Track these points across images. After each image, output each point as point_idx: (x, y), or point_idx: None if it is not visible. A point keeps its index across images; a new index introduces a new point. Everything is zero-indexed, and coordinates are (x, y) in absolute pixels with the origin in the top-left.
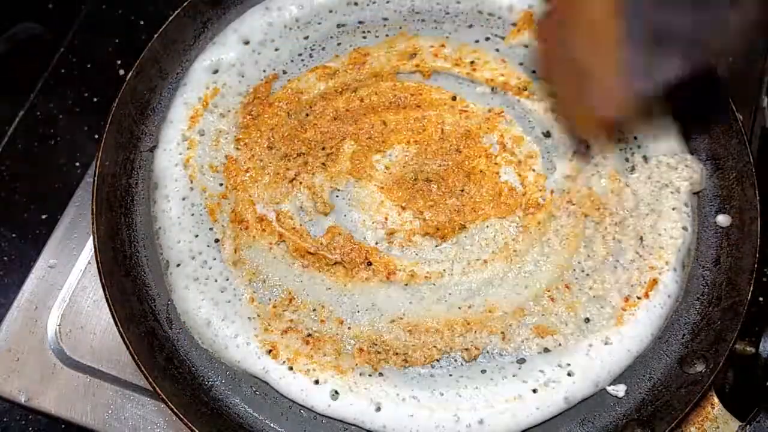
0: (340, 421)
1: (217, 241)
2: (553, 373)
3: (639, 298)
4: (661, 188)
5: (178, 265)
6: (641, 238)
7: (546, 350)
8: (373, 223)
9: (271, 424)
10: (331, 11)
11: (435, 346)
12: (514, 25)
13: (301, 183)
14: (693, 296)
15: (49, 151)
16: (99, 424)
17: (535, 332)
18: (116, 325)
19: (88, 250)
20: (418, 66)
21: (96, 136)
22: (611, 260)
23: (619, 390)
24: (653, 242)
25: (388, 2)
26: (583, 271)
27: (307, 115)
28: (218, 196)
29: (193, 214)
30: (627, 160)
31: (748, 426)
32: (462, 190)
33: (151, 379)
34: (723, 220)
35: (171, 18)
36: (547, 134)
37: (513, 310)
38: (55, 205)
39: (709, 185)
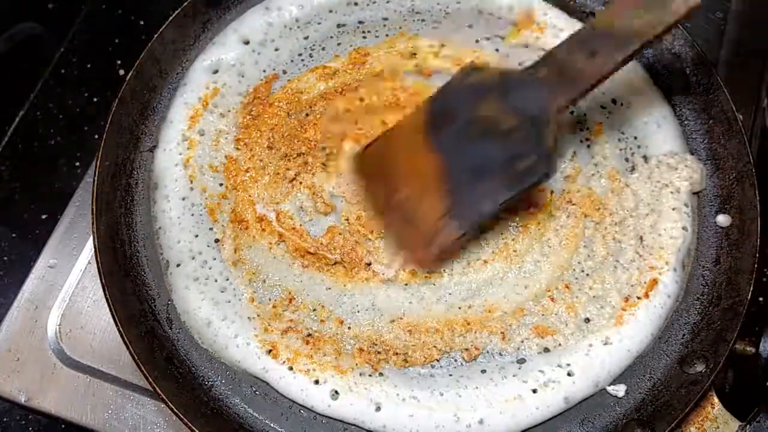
0: (340, 421)
1: (217, 241)
2: (553, 373)
3: (639, 298)
4: (661, 188)
5: (178, 265)
6: (641, 238)
7: (546, 350)
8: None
9: (271, 424)
10: (331, 11)
11: (435, 346)
12: (514, 25)
13: (301, 183)
14: (693, 296)
15: (49, 151)
16: (99, 424)
17: (535, 332)
18: (116, 325)
19: (88, 250)
20: (418, 66)
21: (96, 136)
22: (611, 260)
23: (619, 390)
24: (653, 242)
25: (388, 2)
26: (583, 271)
27: (307, 115)
28: (218, 196)
29: (193, 214)
30: (627, 160)
31: (748, 426)
32: None
33: (151, 379)
34: (723, 220)
35: (171, 18)
36: None
37: (513, 310)
38: (55, 205)
39: (709, 185)
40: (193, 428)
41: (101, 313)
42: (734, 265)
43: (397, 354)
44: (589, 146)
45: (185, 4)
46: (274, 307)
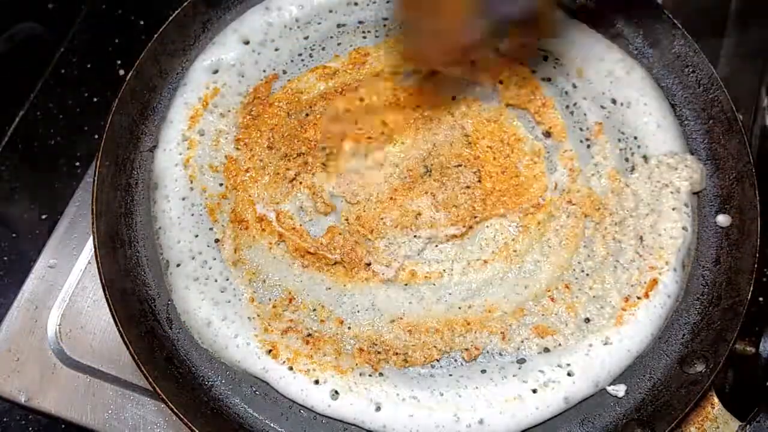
0: (340, 421)
1: (217, 241)
2: (553, 373)
3: (639, 298)
4: (661, 188)
5: (178, 265)
6: (641, 238)
7: (546, 350)
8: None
9: (271, 424)
10: (331, 11)
11: (435, 346)
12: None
13: (301, 183)
14: (693, 296)
15: (49, 151)
16: (99, 424)
17: (535, 332)
18: (116, 325)
19: (88, 250)
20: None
21: (96, 136)
22: (611, 260)
23: (619, 390)
24: (653, 242)
25: (388, 2)
26: (583, 271)
27: (307, 115)
28: (218, 196)
29: (193, 214)
30: (627, 160)
31: (748, 426)
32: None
33: (151, 379)
34: (723, 220)
35: (171, 18)
36: (548, 134)
37: (513, 310)
38: (55, 205)
39: (709, 185)
40: (193, 428)
41: (101, 313)
42: (734, 265)
43: (397, 354)
44: (589, 146)
45: (185, 4)
46: (274, 307)
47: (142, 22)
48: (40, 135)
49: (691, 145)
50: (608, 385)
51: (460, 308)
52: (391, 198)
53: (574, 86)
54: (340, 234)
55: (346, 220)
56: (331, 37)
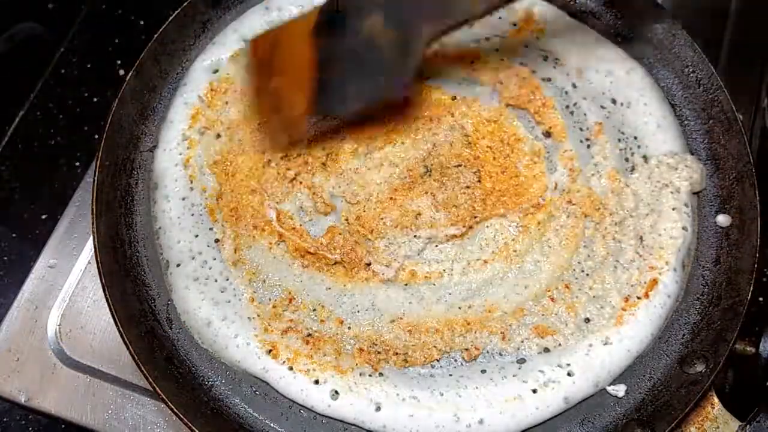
0: (340, 421)
1: (217, 241)
2: (553, 373)
3: (639, 298)
4: (661, 188)
5: (178, 265)
6: (641, 238)
7: (546, 350)
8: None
9: (271, 424)
10: None
11: (435, 346)
12: (514, 25)
13: (301, 183)
14: (693, 296)
15: (49, 151)
16: (99, 424)
17: (535, 332)
18: (116, 325)
19: (88, 250)
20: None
21: (96, 136)
22: (611, 260)
23: (619, 390)
24: (653, 242)
25: None
26: (583, 271)
27: None
28: (218, 196)
29: (193, 214)
30: (627, 160)
31: (748, 426)
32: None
33: (151, 379)
34: (723, 220)
35: (171, 18)
36: (548, 134)
37: (513, 310)
38: (55, 205)
39: (709, 185)
40: (193, 428)
41: (101, 313)
42: (734, 265)
43: (397, 354)
44: (589, 146)
45: (185, 4)
46: (274, 307)
47: (142, 22)
48: (40, 135)
49: (691, 145)
50: (608, 385)
51: (460, 308)
52: (391, 198)
53: (574, 86)
54: (340, 234)
55: (346, 220)
56: None
